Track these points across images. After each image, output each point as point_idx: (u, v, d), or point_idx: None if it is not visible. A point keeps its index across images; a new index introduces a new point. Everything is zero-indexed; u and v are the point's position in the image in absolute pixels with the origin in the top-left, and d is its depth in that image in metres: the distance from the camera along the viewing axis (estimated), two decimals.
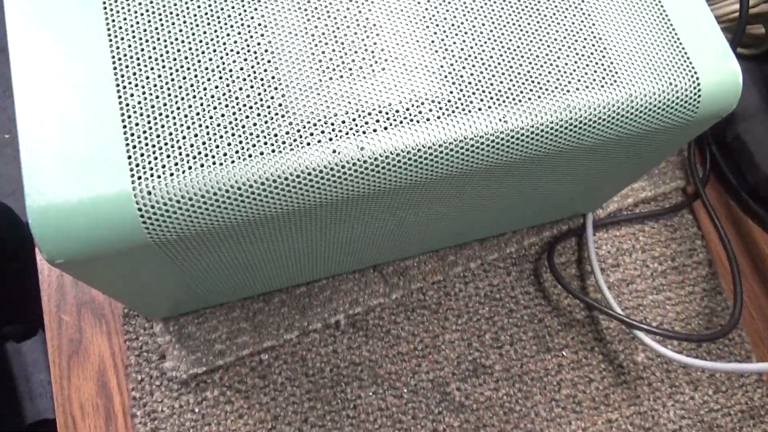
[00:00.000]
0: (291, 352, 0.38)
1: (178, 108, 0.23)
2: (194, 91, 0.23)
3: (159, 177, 0.22)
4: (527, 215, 0.38)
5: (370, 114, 0.24)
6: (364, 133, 0.24)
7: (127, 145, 0.22)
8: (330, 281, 0.39)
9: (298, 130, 0.23)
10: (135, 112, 0.23)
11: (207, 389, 0.37)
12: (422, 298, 0.40)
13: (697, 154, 0.46)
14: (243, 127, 0.23)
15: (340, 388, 0.38)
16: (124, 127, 0.22)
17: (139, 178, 0.22)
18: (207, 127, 0.23)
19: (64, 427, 0.36)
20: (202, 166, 0.22)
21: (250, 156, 0.23)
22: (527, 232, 0.42)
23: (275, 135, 0.23)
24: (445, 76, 0.25)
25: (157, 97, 0.23)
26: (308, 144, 0.23)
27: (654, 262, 0.43)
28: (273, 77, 0.24)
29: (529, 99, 0.25)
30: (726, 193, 0.46)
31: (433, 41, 0.26)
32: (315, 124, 0.23)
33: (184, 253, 0.25)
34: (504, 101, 0.25)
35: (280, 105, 0.24)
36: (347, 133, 0.24)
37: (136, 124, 0.22)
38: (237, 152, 0.23)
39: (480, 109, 0.25)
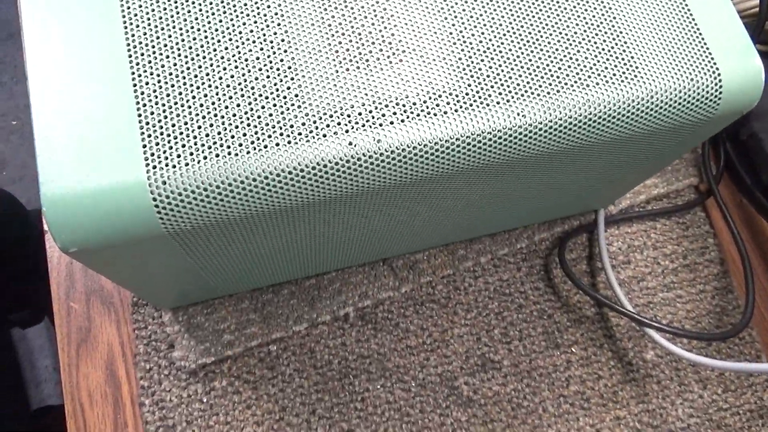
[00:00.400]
0: (300, 343, 0.38)
1: (194, 97, 0.23)
2: (210, 80, 0.23)
3: (174, 167, 0.22)
4: (539, 211, 0.37)
5: (387, 106, 0.24)
6: (380, 125, 0.23)
7: (142, 134, 0.22)
8: (339, 274, 0.39)
9: (314, 122, 0.23)
10: (150, 101, 0.22)
11: (215, 379, 0.37)
12: (432, 292, 0.40)
13: (710, 152, 0.45)
14: (259, 117, 0.23)
15: (348, 380, 0.37)
16: (139, 116, 0.22)
17: (154, 167, 0.22)
18: (222, 117, 0.23)
19: (72, 415, 0.36)
20: (217, 156, 0.22)
21: (265, 147, 0.22)
22: (538, 227, 0.42)
23: (291, 126, 0.23)
24: (463, 69, 0.25)
25: (173, 86, 0.23)
26: (324, 136, 0.23)
27: (665, 260, 0.43)
28: (289, 67, 0.24)
29: (548, 93, 0.25)
30: (739, 191, 0.45)
31: (451, 33, 0.25)
32: (331, 116, 0.23)
33: (197, 244, 0.25)
34: (522, 95, 0.25)
35: (296, 96, 0.23)
36: (364, 126, 0.23)
37: (151, 113, 0.22)
38: (252, 143, 0.22)
39: (498, 103, 0.24)
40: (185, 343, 0.37)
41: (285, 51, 0.24)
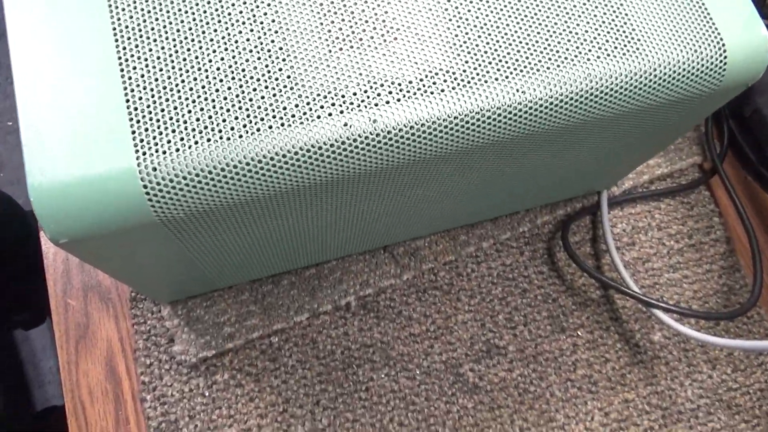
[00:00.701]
0: (301, 334, 0.37)
1: (183, 82, 0.22)
2: (199, 64, 0.22)
3: (164, 153, 0.21)
4: (541, 192, 0.37)
5: (382, 86, 0.23)
6: (376, 105, 0.23)
7: (131, 120, 0.21)
8: (340, 262, 0.39)
9: (308, 103, 0.22)
10: (138, 86, 0.22)
11: (217, 372, 0.36)
12: (434, 279, 0.39)
13: (714, 130, 0.45)
14: (251, 100, 0.22)
15: (351, 370, 0.37)
16: (127, 101, 0.21)
17: (144, 154, 0.21)
18: (213, 100, 0.22)
19: (73, 413, 0.35)
20: (208, 141, 0.21)
21: (258, 130, 0.22)
22: (540, 210, 0.41)
23: (284, 108, 0.22)
24: (460, 46, 0.24)
25: (161, 70, 0.22)
26: (318, 117, 0.22)
27: (670, 240, 0.42)
28: (280, 48, 0.23)
29: (548, 69, 0.24)
30: (744, 168, 0.44)
31: (446, 9, 0.25)
32: (325, 97, 0.23)
33: (191, 232, 0.24)
34: (521, 71, 0.24)
35: (288, 77, 0.23)
36: (359, 106, 0.23)
37: (140, 99, 0.22)
38: (245, 126, 0.22)
39: (497, 80, 0.24)
40: (185, 337, 0.36)
41: (276, 32, 0.23)
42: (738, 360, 0.40)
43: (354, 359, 0.37)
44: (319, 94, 0.23)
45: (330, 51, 0.23)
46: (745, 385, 0.39)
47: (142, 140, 0.21)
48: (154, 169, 0.21)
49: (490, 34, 0.24)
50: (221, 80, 0.22)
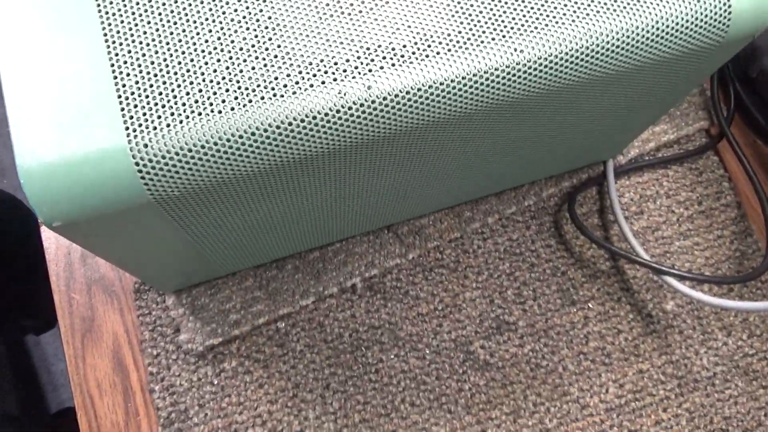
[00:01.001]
0: (308, 318, 0.37)
1: (172, 57, 0.21)
2: (187, 38, 0.22)
3: (155, 129, 0.20)
4: (545, 163, 0.36)
5: (375, 51, 0.22)
6: (370, 71, 0.22)
7: (120, 97, 0.21)
8: (343, 244, 0.38)
9: (300, 73, 0.22)
10: (126, 62, 0.21)
11: (225, 360, 0.36)
12: (440, 257, 0.39)
13: (720, 93, 0.44)
14: (241, 72, 0.22)
15: (360, 352, 0.36)
16: (115, 78, 0.21)
17: (135, 131, 0.20)
18: (203, 74, 0.21)
19: (82, 407, 0.35)
20: (200, 115, 0.21)
21: (250, 102, 0.21)
22: (545, 183, 0.40)
23: (275, 79, 0.22)
24: (455, 8, 0.23)
25: (148, 45, 0.21)
26: (311, 86, 0.22)
27: (680, 207, 0.41)
28: (269, 18, 0.22)
29: (546, 27, 0.23)
30: (752, 131, 0.43)
31: None
32: (318, 66, 0.22)
33: (187, 213, 0.24)
34: (518, 31, 0.23)
35: (279, 47, 0.22)
36: (353, 73, 0.22)
37: (128, 75, 0.21)
38: (236, 99, 0.21)
39: (493, 40, 0.23)
40: (191, 326, 0.36)
41: (264, 2, 0.23)
42: (754, 325, 0.39)
43: (362, 341, 0.37)
44: (311, 63, 0.22)
45: (321, 18, 0.23)
46: (762, 350, 0.39)
47: (131, 117, 0.21)
48: (146, 146, 0.20)
49: None
50: (210, 53, 0.22)
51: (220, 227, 0.27)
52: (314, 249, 0.38)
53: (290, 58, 0.22)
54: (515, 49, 0.23)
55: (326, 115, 0.22)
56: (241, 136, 0.21)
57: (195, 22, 0.22)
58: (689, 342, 0.38)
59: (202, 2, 0.22)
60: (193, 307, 0.36)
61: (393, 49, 0.22)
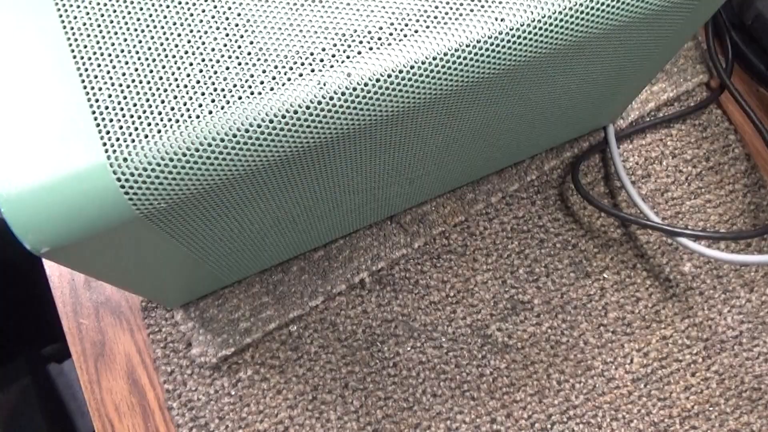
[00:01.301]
0: (319, 319, 0.36)
1: (143, 65, 0.21)
2: (157, 44, 0.21)
3: (134, 141, 0.20)
4: (543, 134, 0.35)
5: (352, 37, 0.22)
6: (348, 58, 0.21)
7: (94, 113, 0.20)
8: (347, 240, 0.37)
9: (276, 67, 0.21)
10: (96, 76, 0.21)
11: (240, 370, 0.35)
12: (446, 243, 0.38)
13: (716, 44, 0.42)
14: (216, 73, 0.21)
15: (376, 347, 0.36)
16: (87, 94, 0.20)
17: (113, 146, 0.20)
18: (177, 80, 0.21)
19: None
20: (177, 122, 0.20)
21: (228, 103, 0.20)
22: (546, 156, 0.39)
23: (252, 76, 0.21)
24: None
25: (118, 56, 0.21)
26: (290, 80, 0.21)
27: (687, 166, 0.40)
28: (239, 14, 0.22)
29: None
30: (754, 79, 0.42)
31: None
32: (294, 58, 0.21)
33: (179, 224, 0.23)
34: None
35: (251, 43, 0.21)
36: (330, 62, 0.21)
37: (100, 89, 0.20)
38: (213, 101, 0.20)
39: (472, 11, 0.22)
40: (202, 339, 0.35)
41: (234, 1, 0.22)
42: None
43: (377, 336, 0.36)
44: (286, 57, 0.21)
45: (292, 9, 0.22)
46: None
47: (108, 132, 0.20)
48: (125, 160, 0.20)
49: None
50: (182, 58, 0.21)
51: (215, 235, 0.26)
52: (318, 248, 0.37)
53: (265, 54, 0.21)
54: (496, 18, 0.22)
55: (308, 108, 0.21)
56: (222, 140, 0.20)
57: (163, 27, 0.21)
58: (711, 302, 0.37)
59: (168, 6, 0.22)
60: (203, 319, 0.36)
61: (369, 32, 0.22)
